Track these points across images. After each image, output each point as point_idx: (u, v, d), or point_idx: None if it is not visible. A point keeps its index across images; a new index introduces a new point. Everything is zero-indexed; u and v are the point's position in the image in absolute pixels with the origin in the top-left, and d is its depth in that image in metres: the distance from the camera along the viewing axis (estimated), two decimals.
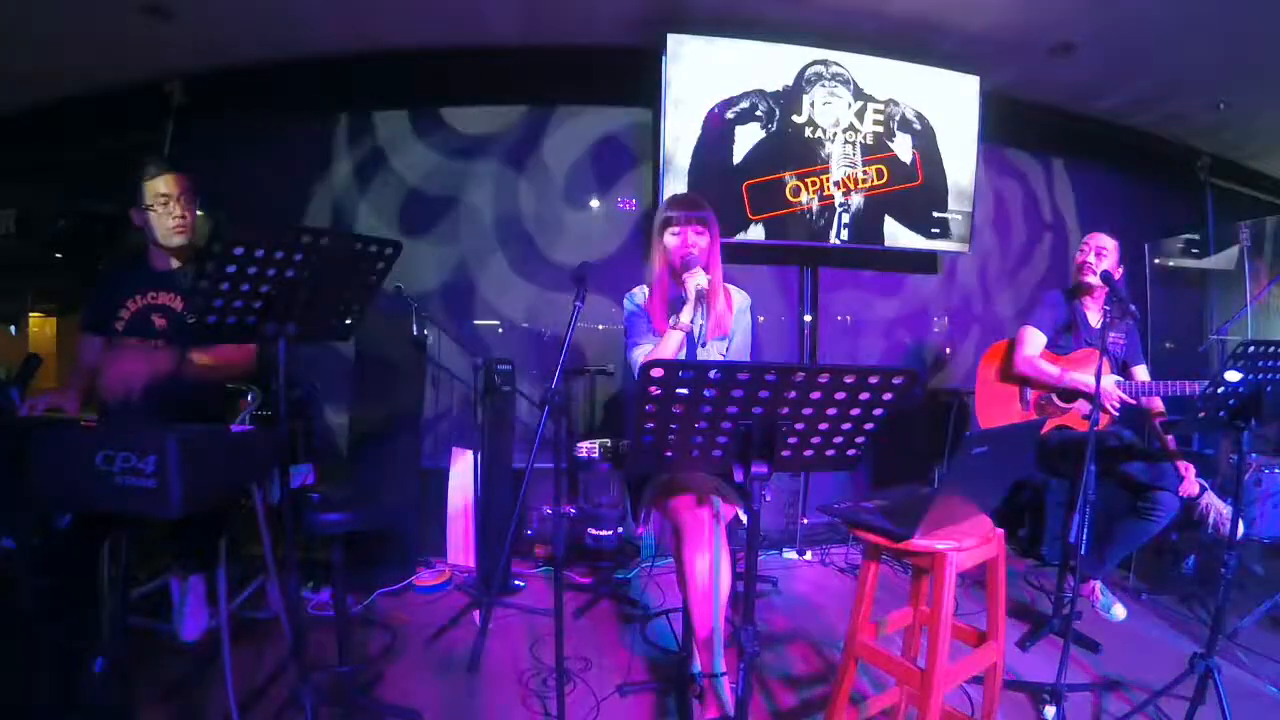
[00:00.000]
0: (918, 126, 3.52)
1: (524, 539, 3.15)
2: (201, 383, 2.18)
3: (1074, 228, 4.20)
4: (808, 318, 3.69)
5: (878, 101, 3.46)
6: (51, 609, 1.65)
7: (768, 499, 3.41)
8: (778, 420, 1.15)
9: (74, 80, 3.29)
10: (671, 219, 1.96)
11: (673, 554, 1.88)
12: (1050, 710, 1.84)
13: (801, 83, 3.35)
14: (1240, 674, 2.16)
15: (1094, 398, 1.94)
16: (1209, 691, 1.73)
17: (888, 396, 1.16)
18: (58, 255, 3.72)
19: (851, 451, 1.26)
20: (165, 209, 2.13)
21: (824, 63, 3.37)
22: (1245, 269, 3.97)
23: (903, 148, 3.51)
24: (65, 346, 4.01)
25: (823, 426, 1.19)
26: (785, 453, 1.20)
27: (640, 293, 2.04)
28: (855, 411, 1.18)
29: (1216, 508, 2.47)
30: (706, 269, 1.90)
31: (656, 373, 1.07)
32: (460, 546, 3.10)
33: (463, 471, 3.09)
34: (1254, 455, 2.82)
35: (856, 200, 3.47)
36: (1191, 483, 2.44)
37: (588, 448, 2.94)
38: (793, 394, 1.13)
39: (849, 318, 3.85)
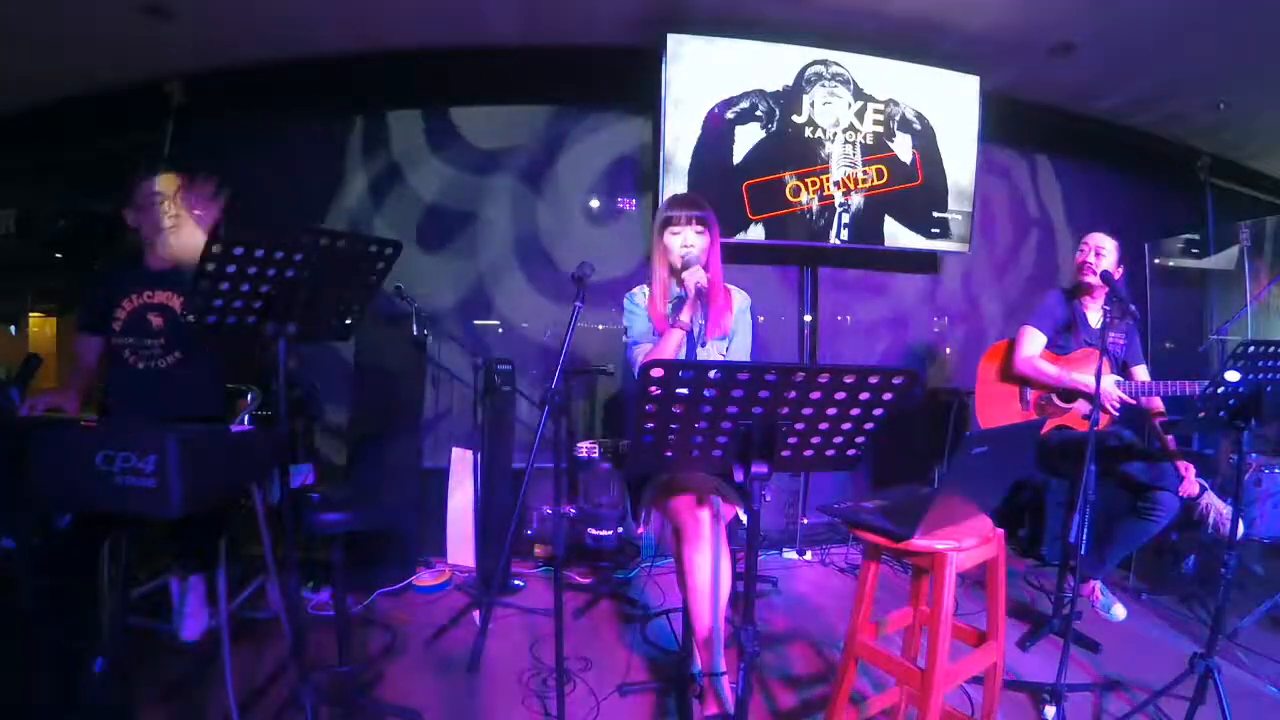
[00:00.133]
0: (918, 126, 3.52)
1: (524, 539, 3.15)
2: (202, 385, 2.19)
3: (1073, 228, 4.19)
4: (808, 318, 3.69)
5: (878, 101, 3.45)
6: (51, 609, 1.65)
7: (768, 499, 3.41)
8: (778, 420, 1.15)
9: (74, 80, 3.29)
10: (671, 218, 1.96)
11: (673, 554, 1.88)
12: (1050, 710, 1.84)
13: (801, 83, 3.35)
14: (1240, 674, 2.16)
15: (1094, 398, 1.94)
16: (1209, 691, 1.73)
17: (888, 396, 1.16)
18: (58, 255, 3.72)
19: (851, 451, 1.26)
20: (160, 209, 2.12)
21: (824, 63, 3.37)
22: (1245, 269, 3.97)
23: (903, 148, 3.51)
24: (65, 346, 4.02)
25: (823, 426, 1.19)
26: (785, 453, 1.20)
27: (640, 293, 2.04)
28: (855, 411, 1.18)
29: (1216, 508, 2.47)
30: (706, 268, 1.90)
31: (656, 373, 1.07)
32: (460, 546, 3.10)
33: (463, 471, 3.09)
34: (1254, 455, 2.82)
35: (856, 200, 3.47)
36: (1191, 483, 2.44)
37: (588, 448, 2.95)
38: (793, 394, 1.13)
39: (849, 318, 3.85)
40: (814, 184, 3.40)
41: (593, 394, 3.48)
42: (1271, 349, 1.63)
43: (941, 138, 3.56)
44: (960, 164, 3.59)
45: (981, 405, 2.72)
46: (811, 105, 3.37)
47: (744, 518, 1.82)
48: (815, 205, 3.41)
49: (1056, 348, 2.58)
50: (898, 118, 3.49)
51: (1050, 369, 2.50)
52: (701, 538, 1.72)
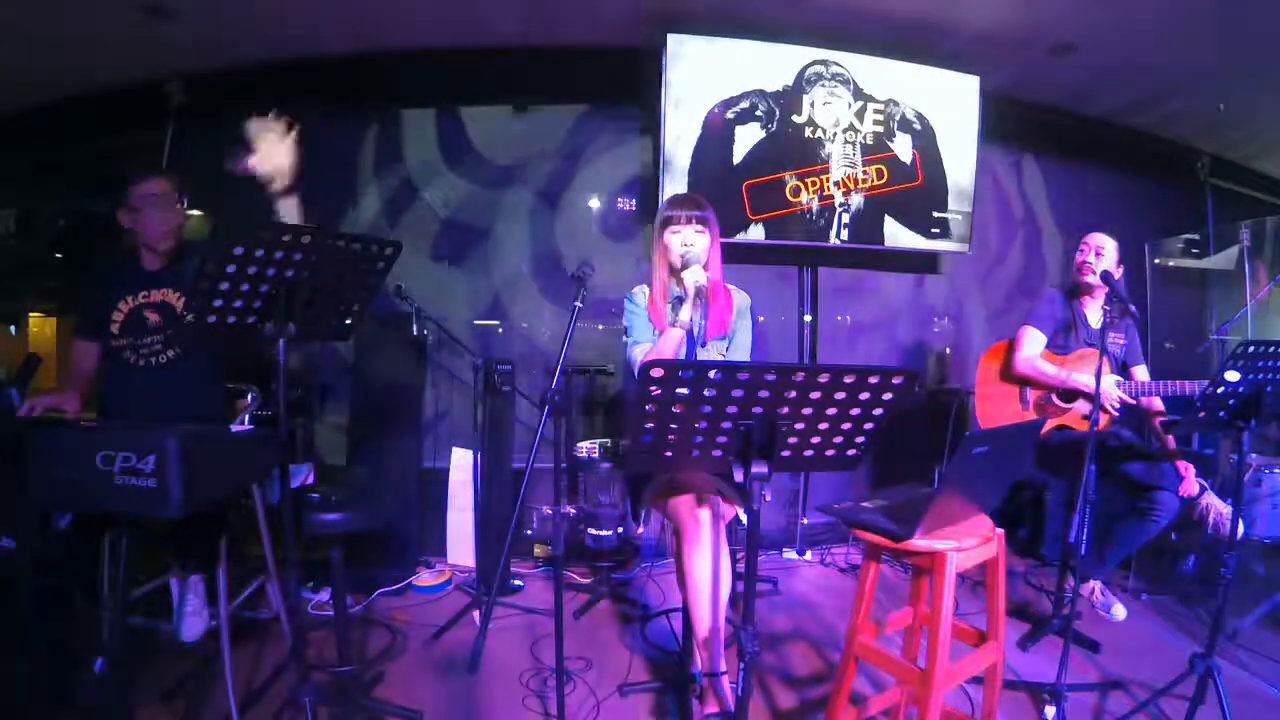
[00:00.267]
0: (918, 126, 3.52)
1: (524, 539, 3.15)
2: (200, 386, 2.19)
3: (1071, 227, 4.19)
4: (808, 318, 3.69)
5: (878, 101, 3.45)
6: (51, 609, 1.65)
7: (768, 499, 3.40)
8: (778, 420, 1.15)
9: (74, 80, 3.29)
10: (671, 218, 1.96)
11: (673, 554, 1.88)
12: (1050, 710, 1.84)
13: (801, 83, 3.35)
14: (1240, 674, 2.16)
15: (1094, 398, 1.94)
16: (1209, 691, 1.73)
17: (888, 396, 1.16)
18: (58, 255, 3.72)
19: (851, 451, 1.26)
20: (153, 211, 2.12)
21: (824, 63, 3.36)
22: (1245, 269, 3.96)
23: (903, 148, 3.51)
24: (65, 347, 4.01)
25: (823, 426, 1.19)
26: (785, 453, 1.20)
27: (641, 292, 2.04)
28: (855, 411, 1.18)
29: (1216, 508, 2.47)
30: (706, 268, 1.90)
31: (656, 373, 1.07)
32: (460, 546, 3.10)
33: (463, 471, 3.09)
34: (1254, 455, 2.82)
35: (856, 200, 3.47)
36: (1191, 483, 2.44)
37: (588, 448, 2.95)
38: (793, 394, 1.13)
39: (849, 318, 3.84)
40: (814, 184, 3.40)
41: (592, 394, 3.48)
42: (1271, 349, 1.63)
43: (941, 138, 3.55)
44: (960, 164, 3.59)
45: (981, 405, 2.72)
46: (811, 105, 3.37)
47: (744, 518, 1.82)
48: (815, 205, 3.41)
49: (1056, 348, 2.58)
50: (898, 118, 3.49)
51: (1050, 369, 2.51)
52: (701, 538, 1.72)
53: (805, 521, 3.49)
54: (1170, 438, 2.51)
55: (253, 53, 3.23)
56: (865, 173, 3.46)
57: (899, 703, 1.76)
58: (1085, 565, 2.42)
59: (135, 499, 1.23)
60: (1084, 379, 2.42)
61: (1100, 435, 2.33)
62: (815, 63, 3.36)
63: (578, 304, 1.68)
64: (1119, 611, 2.59)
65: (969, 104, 3.56)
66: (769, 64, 3.31)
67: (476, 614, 2.50)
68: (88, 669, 1.47)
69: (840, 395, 1.14)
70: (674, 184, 3.22)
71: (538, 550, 3.15)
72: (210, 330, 1.46)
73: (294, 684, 1.53)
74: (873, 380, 1.13)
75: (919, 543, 1.44)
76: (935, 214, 3.59)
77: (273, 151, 1.76)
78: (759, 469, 1.17)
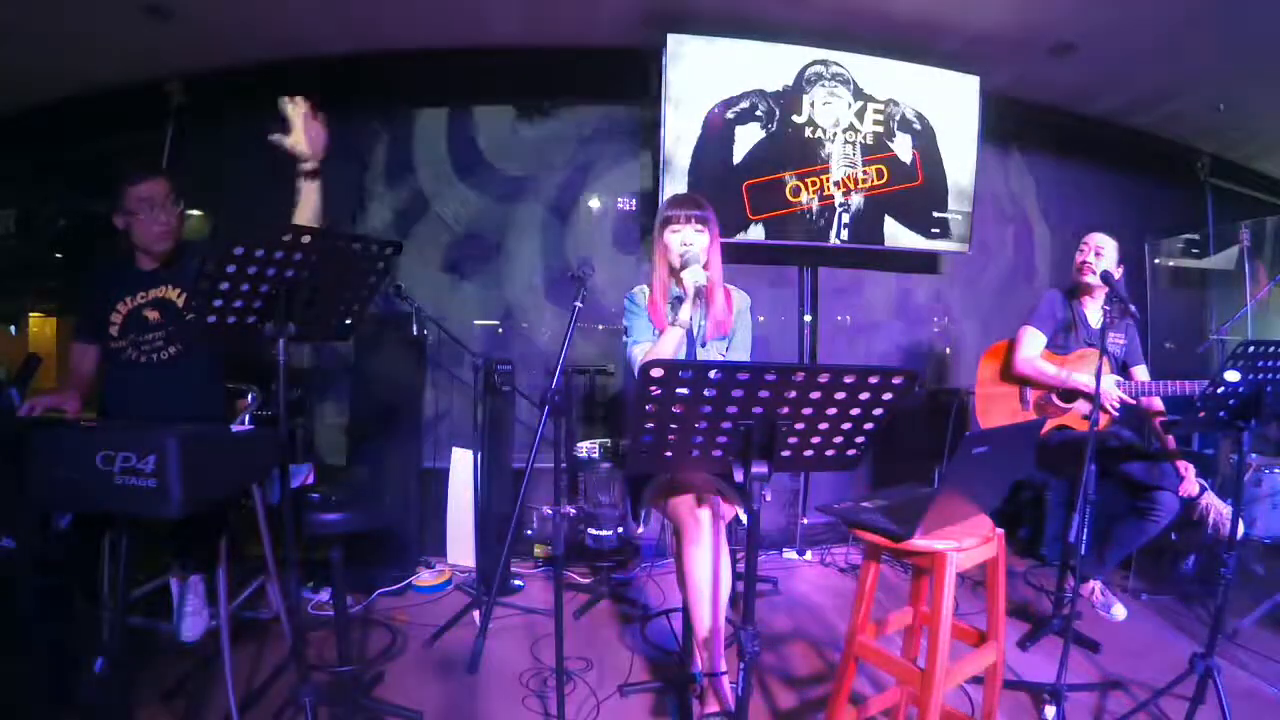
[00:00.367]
0: (918, 126, 3.52)
1: (524, 539, 3.15)
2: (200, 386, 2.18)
3: (1071, 227, 4.19)
4: (808, 318, 3.69)
5: (878, 101, 3.45)
6: (51, 609, 1.65)
7: (768, 499, 3.41)
8: (778, 420, 1.15)
9: (74, 80, 3.29)
10: (671, 218, 1.96)
11: (673, 554, 1.88)
12: (1050, 710, 1.84)
13: (801, 83, 3.35)
14: (1240, 674, 2.16)
15: (1094, 398, 1.94)
16: (1209, 691, 1.73)
17: (888, 396, 1.16)
18: (58, 255, 3.72)
19: (851, 451, 1.26)
20: (149, 214, 2.11)
21: (824, 63, 3.36)
22: (1245, 269, 3.96)
23: (903, 148, 3.51)
24: (65, 346, 4.01)
25: (823, 426, 1.19)
26: (785, 453, 1.20)
27: (641, 292, 2.04)
28: (855, 411, 1.18)
29: (1216, 508, 2.47)
30: (706, 267, 1.90)
31: (656, 373, 1.07)
32: (460, 546, 3.10)
33: (463, 471, 3.08)
34: (1254, 455, 2.83)
35: (856, 200, 3.47)
36: (1191, 483, 2.44)
37: (588, 448, 2.95)
38: (793, 394, 1.13)
39: (849, 318, 3.85)
40: (814, 184, 3.40)
41: (593, 394, 3.48)
42: (1271, 349, 1.63)
43: (941, 138, 3.55)
44: (960, 164, 3.59)
45: (981, 405, 2.72)
46: (811, 105, 3.37)
47: (744, 518, 1.82)
48: (815, 205, 3.41)
49: (1056, 348, 2.58)
50: (898, 118, 3.49)
51: (1050, 369, 2.50)
52: (701, 538, 1.72)
53: (805, 521, 3.49)
54: (1170, 438, 2.51)
55: (253, 53, 3.22)
56: (865, 173, 3.46)
57: (899, 703, 1.76)
58: (1085, 565, 2.42)
59: (135, 499, 1.23)
60: (1084, 379, 2.42)
61: (1100, 435, 2.33)
62: (815, 63, 3.36)
63: (578, 304, 1.69)
64: (1119, 611, 2.60)
65: (969, 104, 3.56)
66: (769, 64, 3.31)
67: (476, 614, 2.50)
68: (88, 669, 1.47)
69: (840, 395, 1.14)
70: (674, 184, 3.22)
71: (538, 550, 3.15)
72: (210, 330, 1.46)
73: (294, 684, 1.53)
74: (873, 380, 1.13)
75: (919, 543, 1.44)
76: (935, 214, 3.59)
77: (304, 131, 1.84)
78: (759, 469, 1.17)
